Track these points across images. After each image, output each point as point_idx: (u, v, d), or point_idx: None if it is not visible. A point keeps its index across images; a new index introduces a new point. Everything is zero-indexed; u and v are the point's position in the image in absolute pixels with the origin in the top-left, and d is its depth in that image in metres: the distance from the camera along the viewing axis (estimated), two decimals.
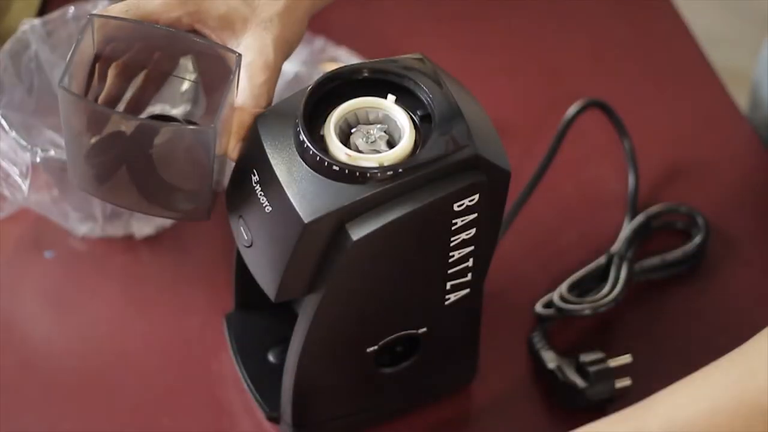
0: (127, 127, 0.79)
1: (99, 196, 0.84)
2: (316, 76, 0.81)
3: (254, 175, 0.79)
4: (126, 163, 0.80)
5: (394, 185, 0.76)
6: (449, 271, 0.83)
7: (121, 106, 0.84)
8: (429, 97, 0.79)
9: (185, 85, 1.00)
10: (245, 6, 0.82)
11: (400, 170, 0.76)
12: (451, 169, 0.77)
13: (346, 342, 0.86)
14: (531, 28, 1.23)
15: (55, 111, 1.03)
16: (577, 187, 1.10)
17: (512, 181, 0.81)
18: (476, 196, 0.79)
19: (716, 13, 2.19)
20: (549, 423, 0.95)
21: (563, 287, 0.99)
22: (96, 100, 0.82)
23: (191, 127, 0.80)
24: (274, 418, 0.92)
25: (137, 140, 0.78)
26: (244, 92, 0.80)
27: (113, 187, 0.82)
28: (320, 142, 0.78)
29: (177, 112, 1.00)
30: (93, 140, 0.80)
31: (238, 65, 0.78)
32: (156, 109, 1.01)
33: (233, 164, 0.82)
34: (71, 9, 1.04)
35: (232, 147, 0.81)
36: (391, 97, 0.80)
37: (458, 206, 0.79)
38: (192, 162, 0.79)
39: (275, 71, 0.81)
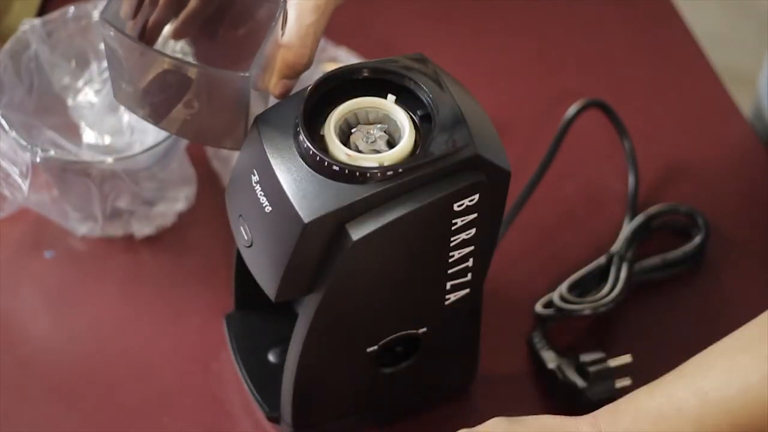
0: (168, 65, 0.80)
1: (140, 114, 0.85)
2: (316, 76, 0.81)
3: (254, 175, 0.79)
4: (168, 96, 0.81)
5: (394, 185, 0.76)
6: (449, 271, 0.83)
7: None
8: (429, 97, 0.79)
9: None
10: None
11: (400, 170, 0.76)
12: (451, 169, 0.77)
13: (346, 342, 0.86)
14: (531, 28, 1.23)
15: (55, 111, 1.04)
16: (577, 187, 1.10)
17: (512, 181, 0.81)
18: (476, 196, 0.79)
19: (716, 13, 2.19)
20: None
21: (563, 287, 0.99)
22: (144, 24, 0.83)
23: (226, 72, 0.80)
24: (274, 418, 0.92)
25: (178, 78, 0.79)
26: (291, 31, 0.80)
27: (153, 110, 0.83)
28: (320, 142, 0.78)
29: None
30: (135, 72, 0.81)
31: (285, 2, 0.78)
32: None
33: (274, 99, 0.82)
34: (71, 9, 1.04)
35: (273, 84, 0.81)
36: (391, 97, 0.80)
37: (458, 206, 0.79)
38: (230, 101, 0.79)
39: (324, 15, 0.80)
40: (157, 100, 0.83)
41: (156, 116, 0.83)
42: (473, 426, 0.95)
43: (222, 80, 0.79)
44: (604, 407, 0.80)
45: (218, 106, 0.81)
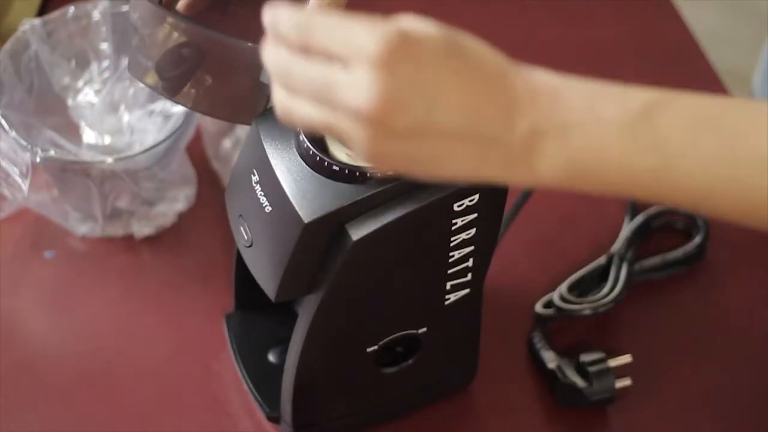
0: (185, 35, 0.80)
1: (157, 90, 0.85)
2: None
3: (254, 175, 0.79)
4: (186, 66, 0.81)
5: (394, 185, 0.76)
6: (449, 271, 0.83)
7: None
8: None
9: None
10: None
11: None
12: None
13: (346, 342, 0.86)
14: (531, 28, 1.23)
15: (55, 111, 1.04)
16: None
17: None
18: (476, 196, 0.79)
19: (716, 13, 2.19)
20: (549, 423, 0.95)
21: (563, 287, 0.99)
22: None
23: (239, 42, 0.79)
24: (274, 418, 0.92)
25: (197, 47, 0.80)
26: None
27: (171, 84, 0.83)
28: (320, 142, 0.78)
29: (178, 109, 1.00)
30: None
31: None
32: (157, 106, 1.02)
33: None
34: (71, 9, 1.04)
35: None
36: None
37: (458, 206, 0.79)
38: (243, 73, 0.80)
39: None
40: (173, 74, 0.82)
41: (171, 91, 0.83)
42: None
43: (235, 51, 0.79)
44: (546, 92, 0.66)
45: (231, 79, 0.80)
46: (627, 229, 1.03)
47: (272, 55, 0.65)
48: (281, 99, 0.65)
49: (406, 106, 0.62)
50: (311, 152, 0.77)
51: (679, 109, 0.66)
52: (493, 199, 0.80)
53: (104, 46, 1.04)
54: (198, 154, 1.08)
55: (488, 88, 0.64)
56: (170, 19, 0.81)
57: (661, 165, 0.65)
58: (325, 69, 0.63)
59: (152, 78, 0.84)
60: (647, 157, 0.65)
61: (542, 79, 0.66)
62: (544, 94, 0.65)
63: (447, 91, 0.63)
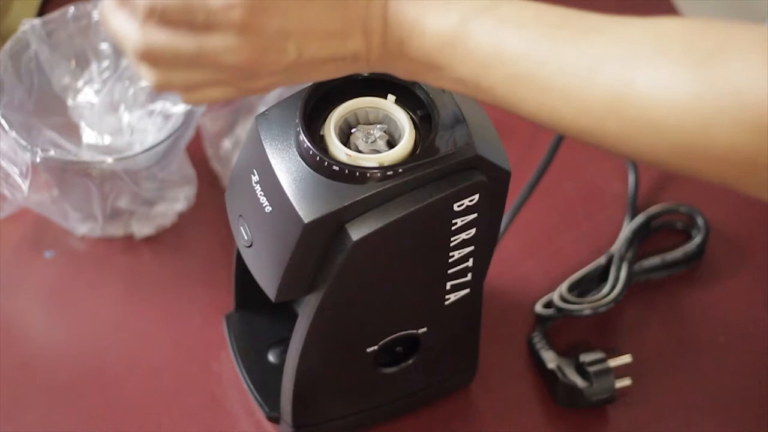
0: None
1: None
2: None
3: (254, 175, 0.79)
4: None
5: (394, 185, 0.76)
6: (449, 271, 0.83)
7: None
8: (429, 97, 0.79)
9: None
10: None
11: (400, 170, 0.76)
12: (451, 169, 0.77)
13: (346, 342, 0.86)
14: None
15: (55, 111, 1.04)
16: (577, 187, 1.10)
17: (512, 181, 0.81)
18: (476, 196, 0.79)
19: (716, 13, 2.19)
20: (549, 423, 0.95)
21: (563, 287, 0.99)
22: None
23: None
24: (274, 418, 0.92)
25: None
26: None
27: None
28: (320, 142, 0.78)
29: (178, 109, 1.00)
30: None
31: None
32: (157, 106, 1.01)
33: None
34: (71, 9, 1.04)
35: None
36: (391, 97, 0.80)
37: (458, 206, 0.79)
38: None
39: None
40: None
41: None
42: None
43: None
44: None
45: None
46: (627, 229, 1.03)
47: (126, 31, 0.69)
48: (153, 76, 0.69)
49: (280, 51, 0.68)
50: (311, 152, 0.77)
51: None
52: (493, 199, 0.80)
53: (104, 46, 1.04)
54: (198, 154, 1.08)
55: (345, 16, 0.69)
56: None
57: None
58: (193, 41, 0.67)
59: None
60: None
61: None
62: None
63: (311, 29, 0.69)
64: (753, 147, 0.62)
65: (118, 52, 1.04)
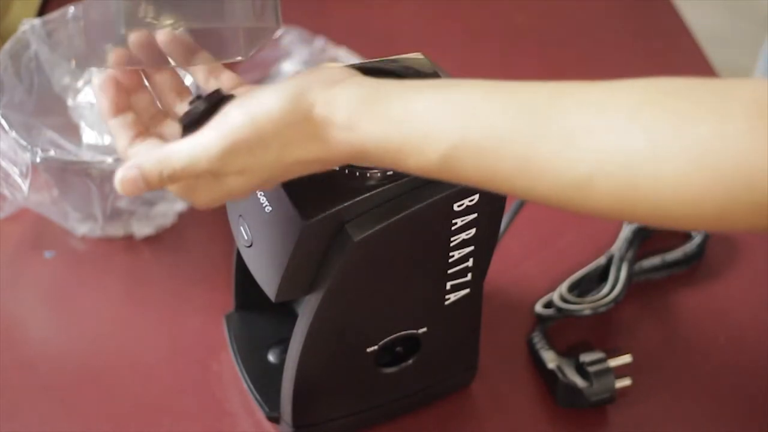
0: None
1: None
2: None
3: None
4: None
5: (394, 185, 0.76)
6: (449, 271, 0.83)
7: None
8: None
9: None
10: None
11: None
12: None
13: (346, 342, 0.86)
14: (531, 28, 1.23)
15: (55, 111, 1.04)
16: None
17: None
18: (476, 196, 0.79)
19: (716, 13, 2.19)
20: (549, 423, 0.95)
21: (563, 287, 0.99)
22: None
23: None
24: (274, 418, 0.92)
25: None
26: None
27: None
28: None
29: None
30: None
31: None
32: None
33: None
34: (71, 9, 1.03)
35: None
36: None
37: (458, 206, 0.79)
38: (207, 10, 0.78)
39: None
40: None
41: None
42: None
43: None
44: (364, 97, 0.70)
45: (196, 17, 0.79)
46: (627, 229, 1.03)
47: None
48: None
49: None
50: None
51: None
52: (493, 200, 0.80)
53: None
54: None
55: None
56: None
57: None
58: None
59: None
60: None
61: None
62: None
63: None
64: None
65: None
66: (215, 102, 0.72)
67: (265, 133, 0.69)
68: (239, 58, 0.80)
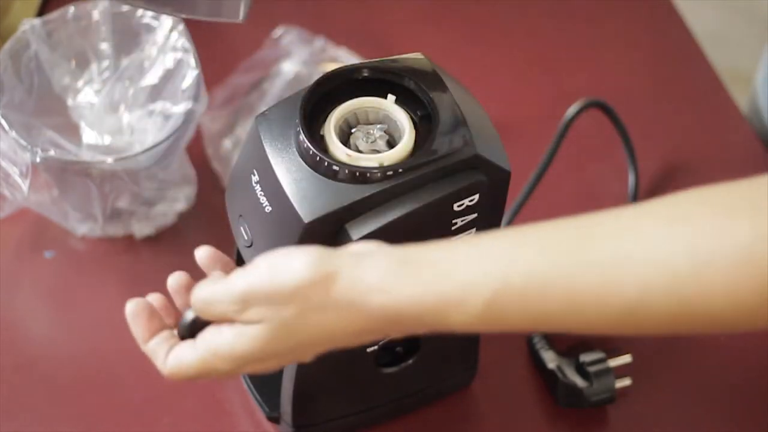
0: None
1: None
2: (316, 76, 0.81)
3: (254, 175, 0.79)
4: None
5: (394, 185, 0.76)
6: None
7: None
8: (429, 97, 0.79)
9: (187, 82, 1.01)
10: None
11: (400, 170, 0.76)
12: (451, 169, 0.77)
13: None
14: (531, 28, 1.23)
15: (55, 111, 1.04)
16: (577, 187, 1.10)
17: (512, 181, 0.81)
18: (476, 196, 0.79)
19: (716, 13, 2.19)
20: (549, 423, 0.95)
21: None
22: None
23: None
24: (274, 418, 0.92)
25: None
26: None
27: None
28: (320, 142, 0.78)
29: (178, 109, 1.00)
30: None
31: None
32: (157, 106, 1.01)
33: None
34: (71, 9, 1.04)
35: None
36: (391, 97, 0.80)
37: (458, 206, 0.79)
38: None
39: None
40: None
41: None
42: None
43: None
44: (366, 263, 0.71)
45: None
46: None
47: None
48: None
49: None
50: (311, 152, 0.77)
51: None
52: (493, 199, 0.80)
53: (104, 46, 1.04)
54: (198, 154, 1.08)
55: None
56: None
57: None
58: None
59: None
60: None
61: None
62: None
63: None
64: None
65: (118, 52, 1.04)
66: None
67: (283, 286, 0.69)
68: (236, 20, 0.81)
